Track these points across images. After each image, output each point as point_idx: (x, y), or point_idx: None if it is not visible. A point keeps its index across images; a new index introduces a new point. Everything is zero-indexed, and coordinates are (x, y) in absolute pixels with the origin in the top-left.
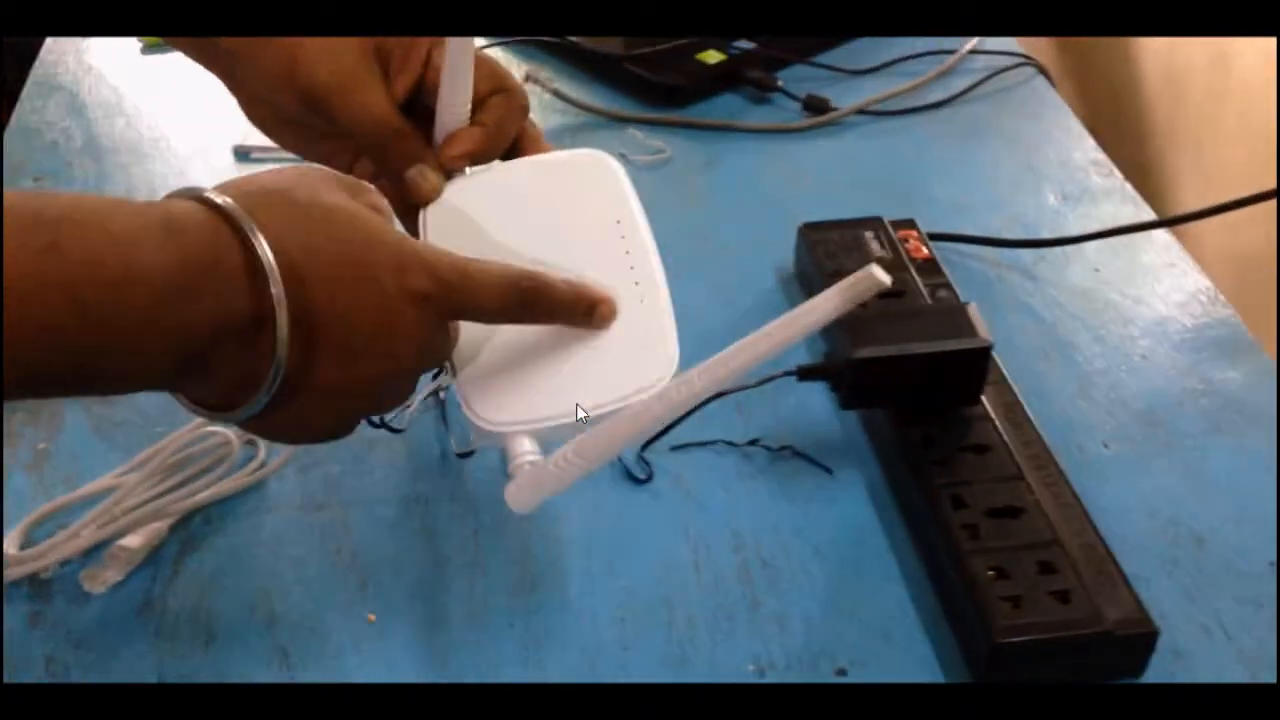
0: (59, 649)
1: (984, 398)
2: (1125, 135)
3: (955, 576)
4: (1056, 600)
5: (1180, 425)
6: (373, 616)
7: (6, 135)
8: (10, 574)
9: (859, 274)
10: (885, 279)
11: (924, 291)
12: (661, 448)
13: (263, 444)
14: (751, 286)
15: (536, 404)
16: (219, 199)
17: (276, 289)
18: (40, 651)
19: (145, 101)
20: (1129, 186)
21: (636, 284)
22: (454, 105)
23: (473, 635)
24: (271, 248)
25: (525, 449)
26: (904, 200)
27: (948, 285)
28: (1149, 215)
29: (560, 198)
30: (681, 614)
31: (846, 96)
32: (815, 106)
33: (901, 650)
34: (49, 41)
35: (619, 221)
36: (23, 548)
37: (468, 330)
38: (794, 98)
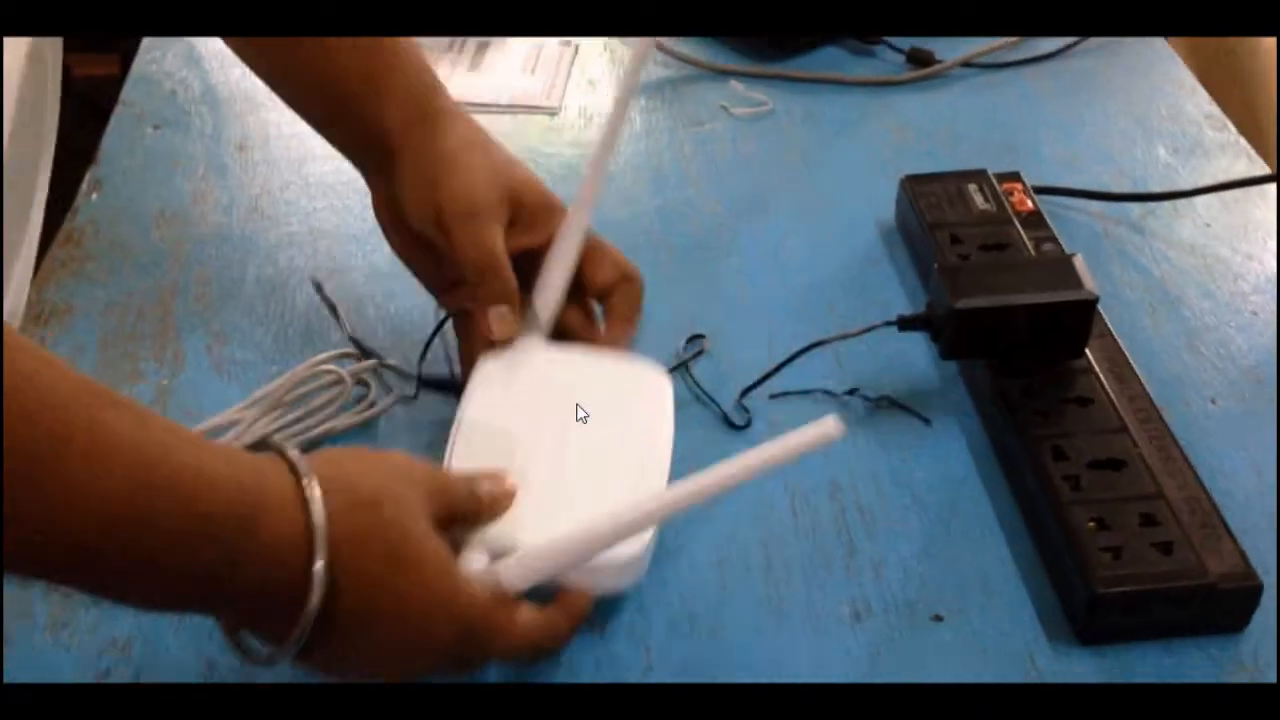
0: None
1: (1088, 351)
2: (1240, 89)
3: (1055, 527)
4: (1159, 552)
5: None
6: None
7: (128, 84)
8: None
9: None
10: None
11: (1028, 245)
12: (761, 395)
13: (374, 384)
14: (853, 238)
15: (502, 522)
16: (312, 511)
17: (312, 602)
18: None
19: None
20: (1243, 141)
21: (641, 471)
22: (551, 276)
23: None
24: (330, 566)
25: (474, 560)
26: (1009, 154)
27: (1053, 239)
28: (1263, 170)
29: (610, 391)
30: (779, 558)
31: (951, 49)
32: (919, 59)
33: (999, 599)
34: None
35: (649, 419)
36: None
37: (473, 421)
38: (898, 50)
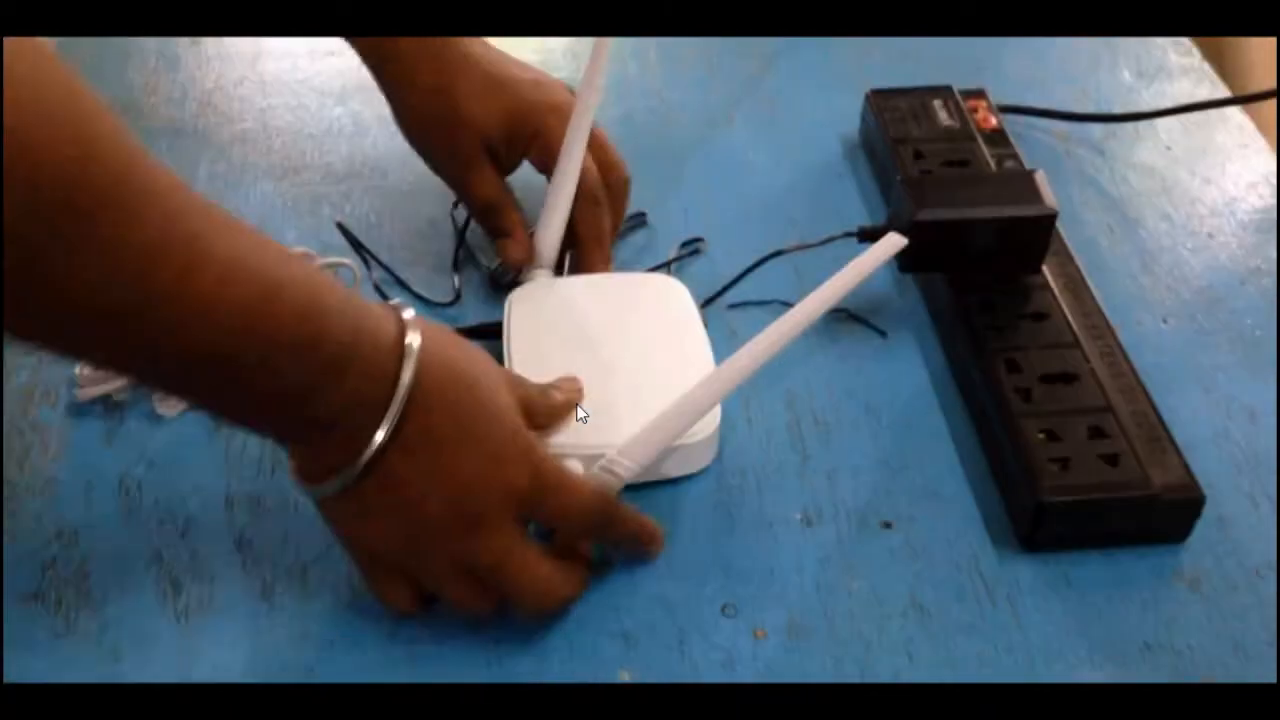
0: (131, 466)
1: (1045, 268)
2: None
3: (1005, 437)
4: (1105, 463)
5: (1240, 304)
6: None
7: None
8: (84, 394)
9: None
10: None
11: (990, 162)
12: (719, 305)
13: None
14: (816, 152)
15: (587, 433)
16: (408, 340)
17: (406, 378)
18: (114, 469)
19: None
20: (1207, 66)
21: (688, 364)
22: (551, 217)
23: None
24: (416, 384)
25: (572, 468)
26: (975, 72)
27: (1014, 157)
28: (1224, 94)
29: (634, 304)
30: (733, 465)
31: None
32: None
33: (948, 507)
34: None
35: (678, 320)
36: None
37: (524, 356)
38: None
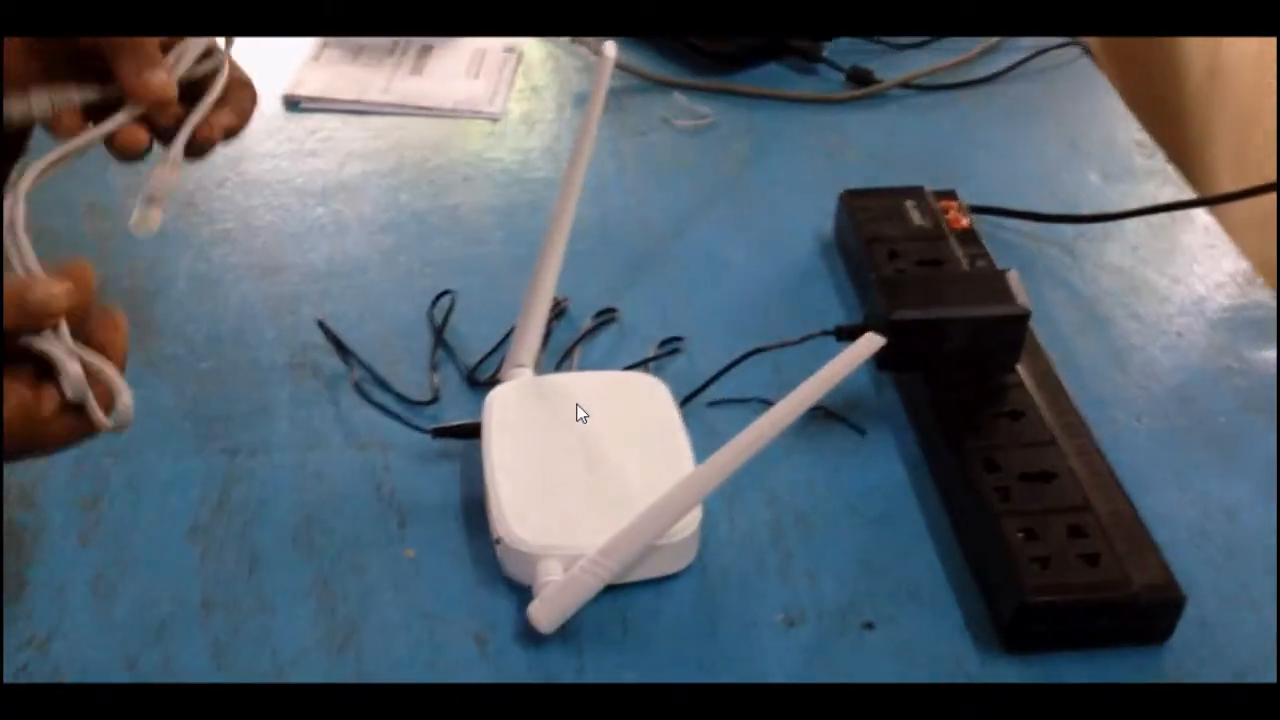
0: (108, 565)
1: (1020, 366)
2: (1169, 118)
3: (986, 537)
4: (1086, 563)
5: (1213, 403)
6: (411, 553)
7: None
8: None
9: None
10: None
11: (963, 261)
12: (698, 404)
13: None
14: (791, 251)
15: (567, 534)
16: None
17: None
18: (87, 571)
19: None
20: (1171, 168)
21: (668, 463)
22: (530, 320)
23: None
24: None
25: (551, 570)
26: (945, 174)
27: (986, 255)
28: (1189, 196)
29: (615, 402)
30: (714, 564)
31: (891, 69)
32: (859, 78)
33: (929, 607)
34: None
35: (658, 419)
36: None
37: (504, 456)
38: (839, 69)
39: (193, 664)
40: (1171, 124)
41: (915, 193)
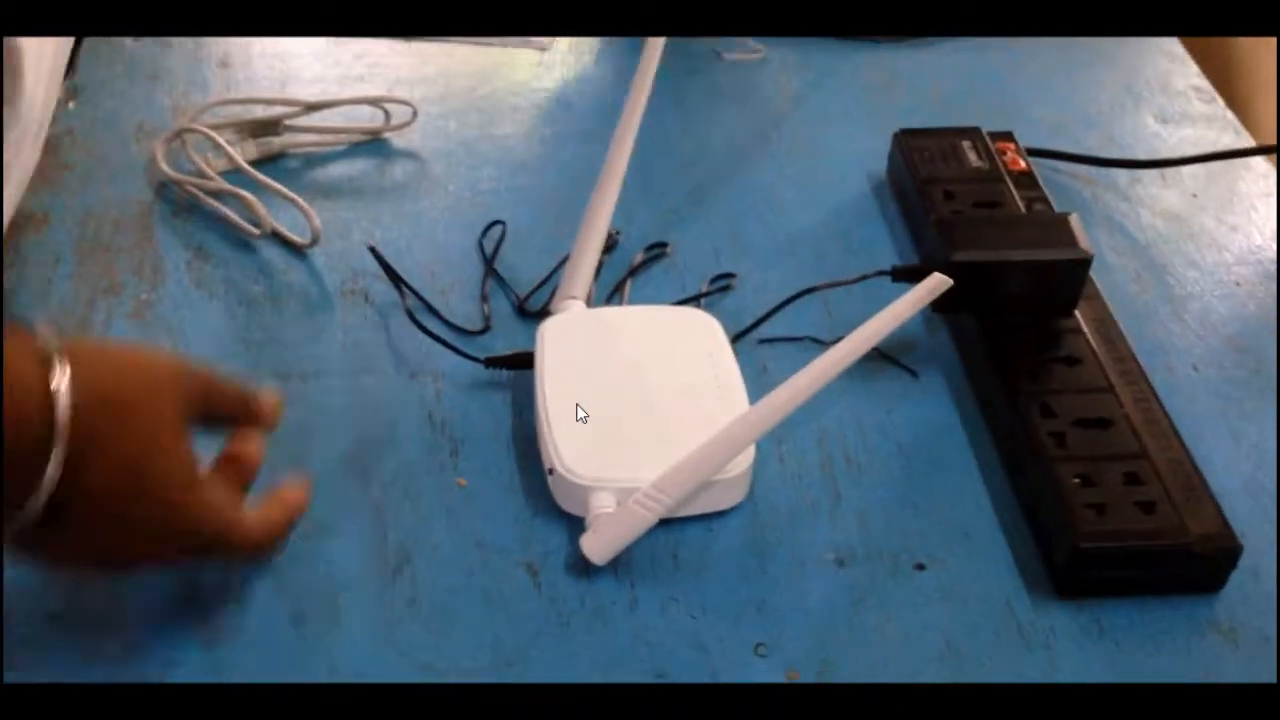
0: None
1: (1077, 311)
2: (1224, 64)
3: (1039, 482)
4: (1141, 510)
5: (1270, 354)
6: (463, 481)
7: None
8: None
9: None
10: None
11: (1020, 204)
12: (749, 341)
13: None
14: (844, 189)
15: (621, 466)
16: (61, 411)
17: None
18: None
19: None
20: (1230, 114)
21: (721, 399)
22: (584, 250)
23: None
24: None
25: (604, 502)
26: (997, 116)
27: (1043, 200)
28: (1248, 143)
29: (667, 337)
30: (765, 501)
31: None
32: None
33: (980, 550)
34: None
35: (711, 354)
36: None
37: (557, 388)
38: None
39: (247, 588)
40: (1225, 71)
41: (972, 133)
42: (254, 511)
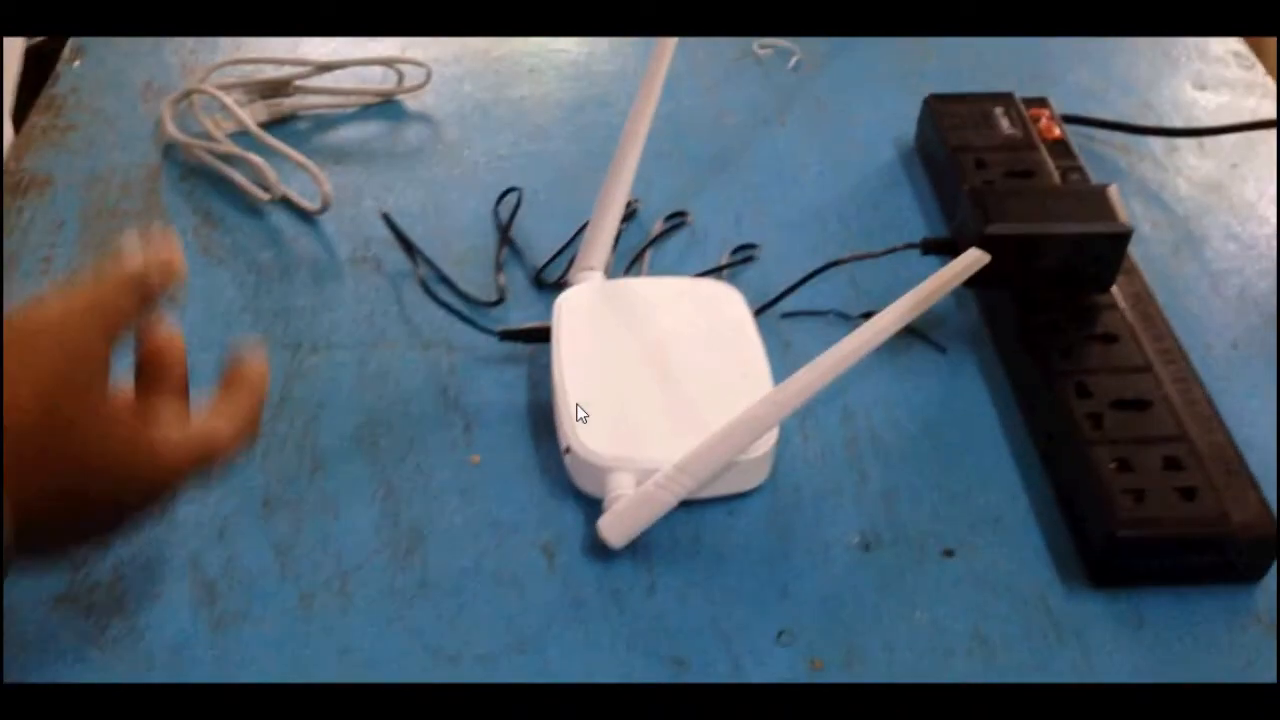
0: None
1: (1114, 287)
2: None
3: (1075, 466)
4: (1181, 497)
5: None
6: (477, 459)
7: None
8: None
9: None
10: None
11: (1054, 173)
12: (773, 314)
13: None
14: (870, 157)
15: (640, 446)
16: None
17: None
18: None
19: None
20: (1271, 81)
21: (745, 376)
22: (603, 220)
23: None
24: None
25: (623, 484)
26: (1029, 82)
27: (1079, 169)
28: None
29: (688, 309)
30: (788, 482)
31: None
32: None
33: (1012, 537)
34: None
35: (733, 328)
36: None
37: (575, 363)
38: None
39: (255, 565)
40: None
41: (1005, 99)
42: (218, 407)
